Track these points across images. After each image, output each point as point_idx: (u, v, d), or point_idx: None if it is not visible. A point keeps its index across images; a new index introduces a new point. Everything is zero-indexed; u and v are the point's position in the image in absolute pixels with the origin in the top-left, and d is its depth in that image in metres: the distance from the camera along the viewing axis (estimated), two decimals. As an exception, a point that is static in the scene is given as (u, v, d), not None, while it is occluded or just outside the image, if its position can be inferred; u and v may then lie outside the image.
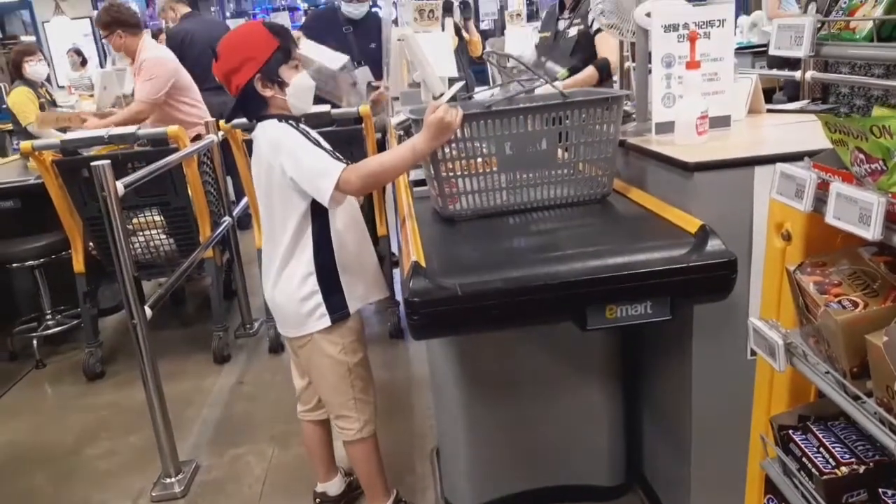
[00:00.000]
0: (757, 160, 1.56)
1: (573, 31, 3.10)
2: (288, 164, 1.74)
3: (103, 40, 4.18)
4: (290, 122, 1.81)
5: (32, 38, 8.25)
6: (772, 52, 1.04)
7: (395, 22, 3.99)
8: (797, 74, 3.71)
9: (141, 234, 3.34)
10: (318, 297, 1.85)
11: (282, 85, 1.81)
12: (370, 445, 2.05)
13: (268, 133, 1.80)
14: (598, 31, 2.88)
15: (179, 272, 2.94)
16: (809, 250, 1.10)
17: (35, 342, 3.66)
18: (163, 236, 3.39)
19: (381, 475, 2.10)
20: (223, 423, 2.93)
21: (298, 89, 1.83)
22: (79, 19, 7.26)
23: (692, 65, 1.78)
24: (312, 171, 1.72)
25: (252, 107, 1.84)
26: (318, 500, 2.27)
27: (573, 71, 2.99)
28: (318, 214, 1.82)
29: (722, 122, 1.92)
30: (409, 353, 3.37)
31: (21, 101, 4.67)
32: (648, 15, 1.93)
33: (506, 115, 1.70)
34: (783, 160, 1.55)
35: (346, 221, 1.90)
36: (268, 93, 1.80)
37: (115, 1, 4.08)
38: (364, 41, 3.99)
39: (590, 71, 2.99)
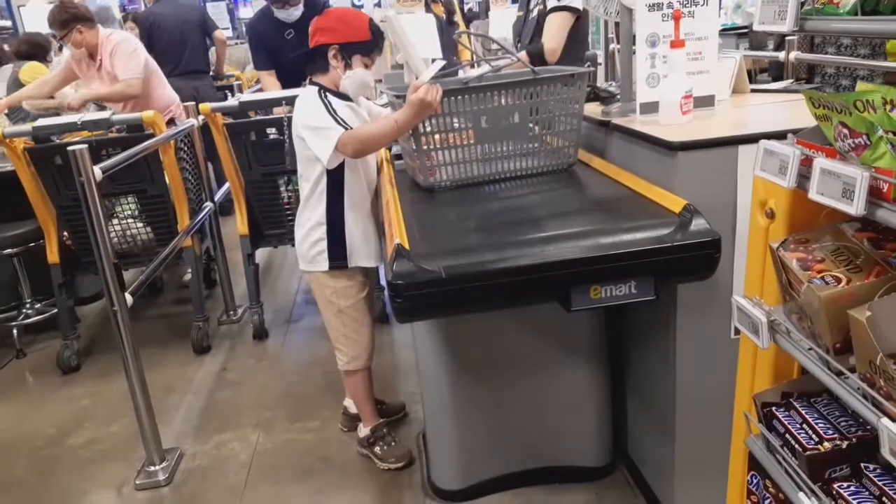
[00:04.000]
0: (741, 139, 1.55)
1: (534, 13, 3.04)
2: (305, 132, 2.02)
3: (60, 41, 3.95)
4: (326, 93, 2.05)
5: (8, 23, 8.08)
6: (756, 27, 1.03)
7: (378, 4, 3.93)
8: (781, 55, 3.72)
9: (117, 222, 3.29)
10: (323, 244, 2.17)
11: (347, 66, 2.07)
12: (358, 378, 2.37)
13: (304, 98, 2.08)
14: (553, 10, 2.83)
15: (160, 259, 2.90)
16: (793, 227, 1.09)
17: (15, 331, 3.60)
18: (139, 225, 3.34)
19: (368, 402, 2.43)
20: (207, 410, 2.91)
21: (358, 78, 2.08)
22: (55, 3, 7.10)
23: (676, 44, 1.77)
24: (318, 133, 1.98)
25: (314, 65, 2.09)
26: (342, 410, 2.62)
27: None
28: (332, 174, 2.09)
29: (706, 101, 1.92)
30: (394, 338, 3.36)
31: (40, 76, 4.62)
32: (633, -6, 1.92)
33: (481, 90, 1.85)
34: (767, 139, 1.56)
35: (360, 189, 2.17)
36: (334, 63, 2.06)
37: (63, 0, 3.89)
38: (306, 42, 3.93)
39: (521, 55, 2.94)
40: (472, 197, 1.89)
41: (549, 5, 2.84)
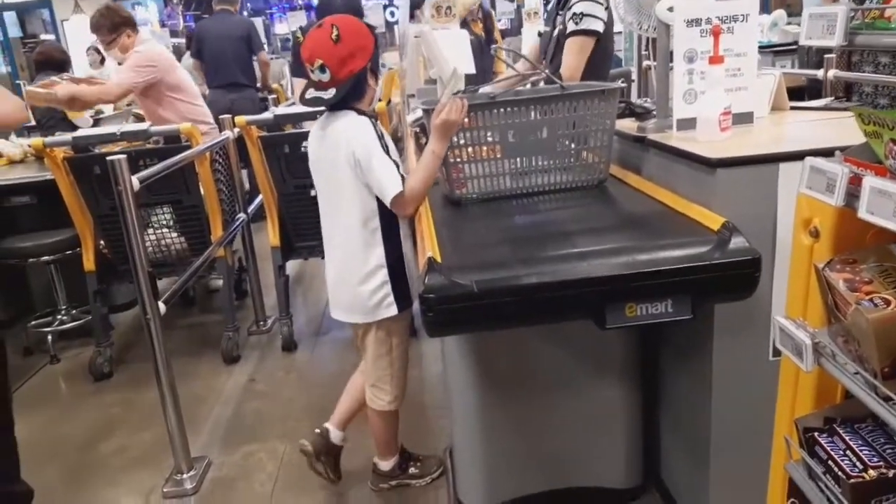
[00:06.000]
0: (781, 156, 1.52)
1: (556, 32, 3.01)
2: (363, 160, 1.89)
3: (107, 45, 3.82)
4: (369, 117, 1.95)
5: (52, 37, 8.31)
6: (803, 41, 1.01)
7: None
8: (819, 73, 3.67)
9: (152, 231, 3.33)
10: (387, 288, 2.01)
11: (377, 79, 1.99)
12: (393, 417, 2.25)
13: (349, 124, 1.93)
14: (571, 34, 2.80)
15: (194, 269, 2.94)
16: (838, 247, 1.06)
17: (49, 337, 3.67)
18: (174, 235, 3.38)
19: (395, 439, 2.33)
20: (235, 421, 2.92)
21: (380, 87, 2.00)
22: (97, 18, 7.30)
23: (715, 59, 1.75)
24: (379, 183, 1.89)
25: (355, 94, 1.93)
26: (317, 430, 2.34)
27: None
28: (386, 210, 1.96)
29: (745, 118, 1.89)
30: (422, 351, 3.34)
31: None
32: (670, 10, 1.90)
33: (508, 105, 1.84)
34: (809, 156, 1.52)
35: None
36: (371, 82, 1.97)
37: (110, 4, 3.87)
38: None
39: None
40: (503, 210, 1.88)
41: (569, 29, 2.82)
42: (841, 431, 1.06)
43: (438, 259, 1.43)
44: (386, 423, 2.25)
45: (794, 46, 5.21)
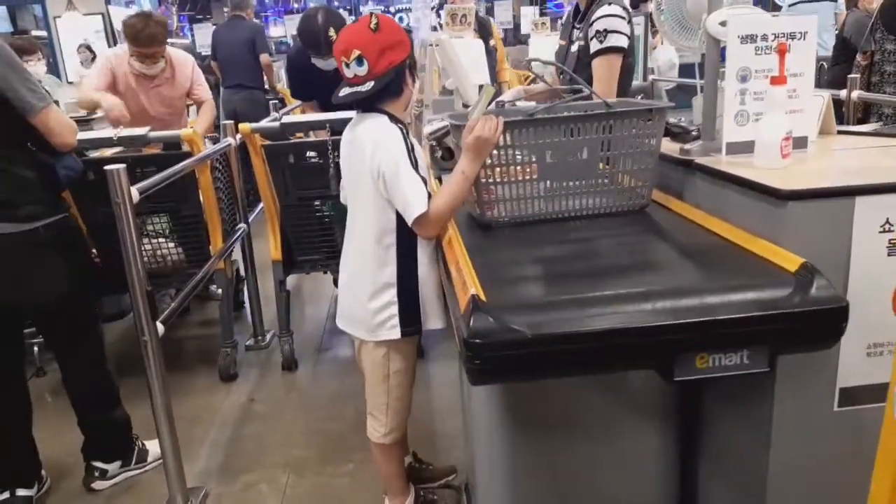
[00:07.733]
0: (857, 189, 1.39)
1: (575, 47, 2.88)
2: (389, 173, 1.76)
3: (157, 57, 3.46)
4: (402, 126, 1.82)
5: (44, 33, 8.10)
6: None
7: (435, 28, 3.86)
8: (843, 93, 3.57)
9: (147, 241, 3.15)
10: (394, 309, 1.88)
11: (414, 80, 1.88)
12: (392, 452, 2.09)
13: (379, 130, 1.81)
14: (598, 53, 2.67)
15: (193, 284, 2.76)
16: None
17: (36, 349, 3.47)
18: (170, 244, 3.21)
19: (401, 477, 2.14)
20: (234, 446, 2.75)
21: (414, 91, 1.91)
22: (91, 15, 7.07)
23: (778, 80, 1.61)
24: (403, 199, 1.76)
25: (392, 89, 1.81)
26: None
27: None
28: (405, 227, 1.82)
29: (800, 143, 1.76)
30: (429, 373, 3.18)
31: None
32: (723, 24, 1.77)
33: (548, 123, 1.70)
34: (889, 190, 1.39)
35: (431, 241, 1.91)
36: (409, 82, 1.85)
37: (149, 12, 3.69)
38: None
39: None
40: (538, 237, 1.73)
41: (593, 47, 2.68)
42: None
43: (483, 297, 1.28)
44: (386, 458, 2.10)
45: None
